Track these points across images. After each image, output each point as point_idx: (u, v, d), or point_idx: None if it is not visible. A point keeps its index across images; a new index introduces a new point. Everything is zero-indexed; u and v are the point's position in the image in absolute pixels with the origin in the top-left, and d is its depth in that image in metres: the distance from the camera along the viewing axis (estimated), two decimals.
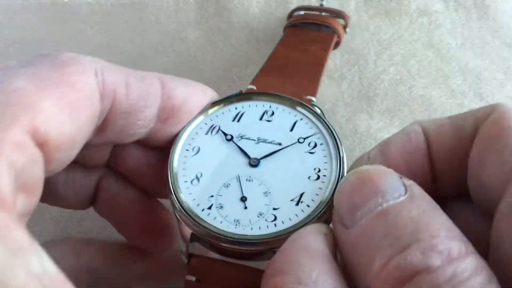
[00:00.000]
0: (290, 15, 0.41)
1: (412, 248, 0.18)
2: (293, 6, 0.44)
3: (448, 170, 0.24)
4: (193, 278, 0.25)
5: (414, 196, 0.20)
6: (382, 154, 0.25)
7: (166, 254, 0.31)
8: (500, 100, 0.42)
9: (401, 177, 0.21)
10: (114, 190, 0.29)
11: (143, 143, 0.27)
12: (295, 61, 0.34)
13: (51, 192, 0.28)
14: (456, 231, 0.19)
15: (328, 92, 0.41)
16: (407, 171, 0.24)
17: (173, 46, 0.43)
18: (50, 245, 0.27)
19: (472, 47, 0.43)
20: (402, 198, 0.20)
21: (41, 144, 0.20)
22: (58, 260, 0.26)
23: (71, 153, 0.22)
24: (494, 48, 0.43)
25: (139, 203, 0.30)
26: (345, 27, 0.40)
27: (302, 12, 0.40)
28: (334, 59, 0.42)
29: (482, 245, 0.20)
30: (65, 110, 0.21)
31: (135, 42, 0.44)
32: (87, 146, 0.25)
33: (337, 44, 0.39)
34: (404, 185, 0.21)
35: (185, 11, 0.44)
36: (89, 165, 0.28)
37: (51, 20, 0.45)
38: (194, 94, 0.27)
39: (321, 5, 0.41)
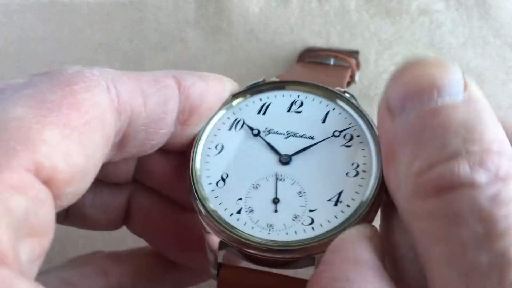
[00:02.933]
0: (300, 56, 0.40)
1: (461, 158, 0.17)
2: (294, 6, 0.43)
3: None
4: None
5: (472, 97, 0.18)
6: None
7: None
8: (502, 100, 0.42)
9: (463, 73, 0.19)
10: (147, 206, 0.27)
11: (166, 150, 0.25)
12: (314, 73, 0.33)
13: (78, 216, 0.26)
14: (507, 146, 0.18)
15: None
16: None
17: (173, 46, 0.43)
18: (75, 265, 0.26)
19: (473, 47, 0.43)
20: (459, 98, 0.18)
21: (48, 181, 0.17)
22: (86, 284, 0.25)
23: (85, 183, 0.20)
24: (496, 48, 0.42)
25: (174, 217, 0.28)
26: (357, 65, 0.39)
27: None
28: None
29: None
30: (72, 137, 0.18)
31: (134, 42, 0.44)
32: (108, 164, 0.24)
33: (349, 84, 0.38)
34: (465, 83, 0.19)
35: (185, 10, 0.44)
36: (115, 182, 0.27)
37: (50, 19, 0.44)
38: (212, 88, 0.25)
39: (330, 49, 0.41)
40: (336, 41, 0.42)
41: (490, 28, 0.43)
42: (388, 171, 0.20)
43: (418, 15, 0.44)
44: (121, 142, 0.22)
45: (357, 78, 0.40)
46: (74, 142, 0.18)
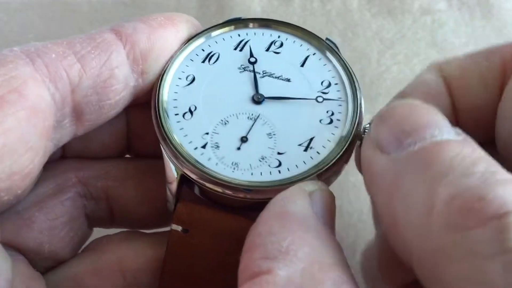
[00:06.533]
0: None
1: (501, 185, 0.15)
2: (295, 5, 0.43)
3: (473, 119, 0.21)
4: (179, 228, 0.22)
5: (468, 140, 0.17)
6: None
7: None
8: None
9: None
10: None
11: (143, 104, 0.24)
12: None
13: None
14: None
15: None
16: None
17: None
18: (88, 257, 0.25)
19: (475, 46, 0.42)
20: (460, 138, 0.17)
21: None
22: (99, 285, 0.24)
23: (17, 157, 0.19)
24: None
25: None
26: None
27: None
28: None
29: None
30: None
31: None
32: (93, 142, 0.24)
33: None
34: (455, 130, 0.18)
35: (186, 9, 0.44)
36: (103, 156, 0.26)
37: (52, 18, 0.44)
38: (158, 27, 0.23)
39: None
40: (337, 40, 0.42)
41: (493, 28, 0.43)
42: (391, 208, 0.18)
43: (420, 14, 0.44)
44: (75, 112, 0.21)
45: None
46: None
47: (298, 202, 0.18)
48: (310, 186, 0.19)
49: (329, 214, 0.19)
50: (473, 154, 0.17)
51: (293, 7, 0.42)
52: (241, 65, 0.24)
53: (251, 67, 0.24)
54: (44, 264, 0.23)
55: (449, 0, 0.44)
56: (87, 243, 0.26)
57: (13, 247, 0.22)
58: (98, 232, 0.27)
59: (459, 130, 0.18)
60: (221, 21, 0.25)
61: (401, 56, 0.42)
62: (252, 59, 0.24)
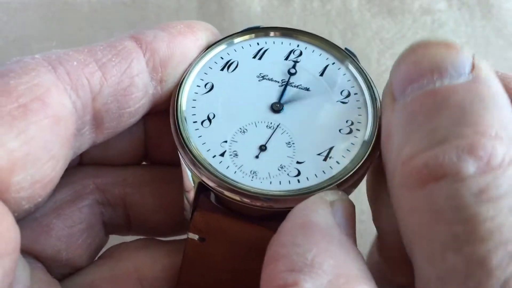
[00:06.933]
0: None
1: (448, 145, 0.16)
2: (295, 5, 0.43)
3: None
4: (196, 237, 0.22)
5: (478, 79, 0.17)
6: None
7: None
8: None
9: (473, 56, 0.17)
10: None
11: (161, 113, 0.24)
12: None
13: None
14: (510, 132, 0.16)
15: None
16: None
17: None
18: (104, 264, 0.25)
19: (475, 47, 0.42)
20: (461, 80, 0.17)
21: None
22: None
23: (39, 168, 0.19)
24: (498, 48, 0.42)
25: None
26: None
27: None
28: None
29: None
30: (2, 123, 0.17)
31: None
32: (110, 149, 0.24)
33: None
34: (473, 64, 0.17)
35: (187, 9, 0.44)
36: (121, 163, 0.26)
37: (52, 18, 0.44)
38: (178, 35, 0.23)
39: None
40: (338, 41, 0.42)
41: (493, 28, 0.43)
42: (384, 157, 0.19)
43: (420, 14, 0.44)
44: (96, 119, 0.21)
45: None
46: (5, 127, 0.17)
47: (320, 212, 0.18)
48: (331, 196, 0.19)
49: (350, 224, 0.19)
50: (460, 103, 0.16)
51: (293, 7, 0.42)
52: (260, 74, 0.24)
53: (266, 78, 0.24)
54: (61, 271, 0.23)
55: (449, 0, 0.44)
56: (103, 250, 0.26)
57: (31, 254, 0.22)
58: (113, 239, 0.26)
59: (479, 63, 0.17)
60: (231, 28, 0.26)
61: None
62: (293, 70, 0.24)
